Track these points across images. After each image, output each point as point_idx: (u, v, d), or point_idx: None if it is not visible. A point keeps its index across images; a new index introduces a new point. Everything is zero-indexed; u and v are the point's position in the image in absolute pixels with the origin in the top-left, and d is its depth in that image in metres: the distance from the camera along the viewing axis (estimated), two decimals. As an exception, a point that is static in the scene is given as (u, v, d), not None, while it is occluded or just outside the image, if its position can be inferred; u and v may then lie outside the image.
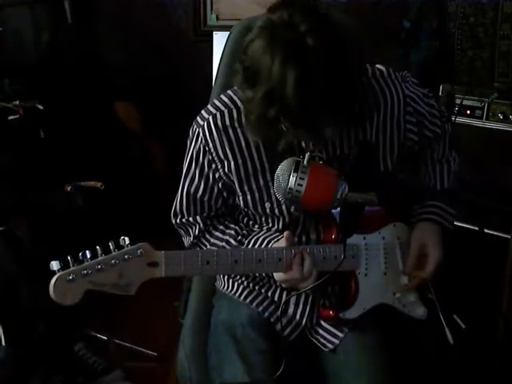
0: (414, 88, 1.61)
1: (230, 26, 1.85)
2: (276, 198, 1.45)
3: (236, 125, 1.52)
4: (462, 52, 2.94)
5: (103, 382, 2.51)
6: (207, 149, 1.53)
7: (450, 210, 1.64)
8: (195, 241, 1.62)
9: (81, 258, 1.29)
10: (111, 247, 1.31)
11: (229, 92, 1.56)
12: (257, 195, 1.55)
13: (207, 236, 1.62)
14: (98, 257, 1.30)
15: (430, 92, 1.69)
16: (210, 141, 1.52)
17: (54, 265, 1.26)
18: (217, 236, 1.61)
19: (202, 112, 1.56)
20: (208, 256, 1.41)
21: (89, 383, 2.49)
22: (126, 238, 1.33)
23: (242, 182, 1.54)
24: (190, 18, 3.59)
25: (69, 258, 1.27)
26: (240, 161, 1.53)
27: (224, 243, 1.59)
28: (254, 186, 1.54)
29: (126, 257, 1.32)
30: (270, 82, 1.27)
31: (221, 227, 1.62)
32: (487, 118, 2.52)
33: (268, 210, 1.55)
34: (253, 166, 1.53)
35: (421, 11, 3.00)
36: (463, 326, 1.60)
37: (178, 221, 1.63)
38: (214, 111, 1.54)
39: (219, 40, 2.94)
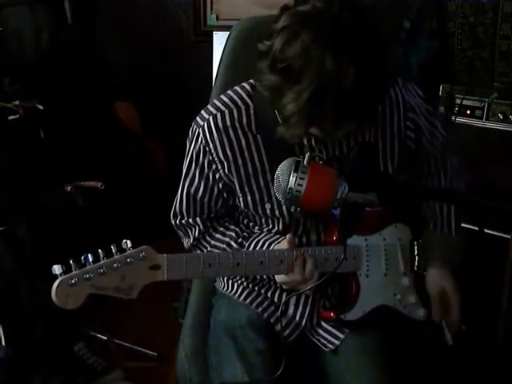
0: (417, 99, 1.61)
1: (230, 26, 1.85)
2: (276, 198, 1.44)
3: (236, 125, 1.51)
4: (462, 52, 2.93)
5: (103, 382, 2.51)
6: (207, 149, 1.53)
7: (457, 244, 1.69)
8: (195, 243, 1.62)
9: (83, 261, 1.28)
10: (113, 250, 1.31)
11: (229, 92, 1.56)
12: (257, 196, 1.54)
13: (207, 238, 1.61)
14: (100, 260, 1.29)
15: (430, 94, 1.68)
16: (210, 141, 1.52)
17: (56, 269, 1.26)
18: (217, 238, 1.60)
19: (202, 112, 1.55)
20: (210, 259, 1.41)
21: (89, 383, 2.49)
22: (128, 241, 1.32)
23: (242, 183, 1.54)
24: (190, 18, 3.58)
25: (71, 261, 1.27)
26: (240, 161, 1.52)
27: (225, 245, 1.59)
28: (254, 187, 1.54)
29: (128, 260, 1.31)
30: (322, 76, 1.24)
31: (221, 229, 1.61)
32: (487, 118, 2.51)
33: (268, 211, 1.55)
34: (253, 166, 1.53)
35: (421, 11, 2.99)
36: (463, 328, 1.60)
37: (177, 222, 1.63)
38: (214, 111, 1.53)
39: (219, 40, 2.94)
